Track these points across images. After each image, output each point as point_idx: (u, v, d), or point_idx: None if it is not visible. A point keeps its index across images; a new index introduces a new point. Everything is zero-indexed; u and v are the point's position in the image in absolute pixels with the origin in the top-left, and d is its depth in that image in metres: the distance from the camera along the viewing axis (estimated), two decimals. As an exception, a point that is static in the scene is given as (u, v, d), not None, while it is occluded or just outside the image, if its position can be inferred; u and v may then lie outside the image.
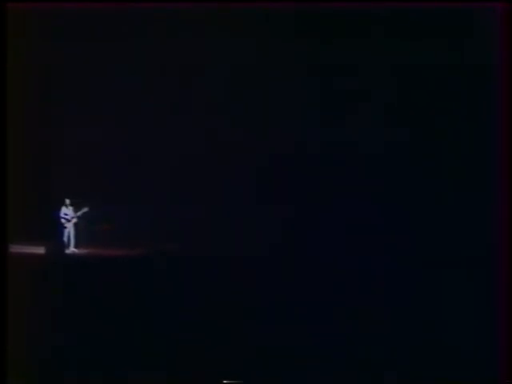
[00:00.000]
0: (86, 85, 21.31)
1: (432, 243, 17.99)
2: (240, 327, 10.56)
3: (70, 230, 21.06)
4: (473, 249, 15.94)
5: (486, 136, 16.54)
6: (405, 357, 9.26)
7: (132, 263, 17.76)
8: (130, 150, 22.27)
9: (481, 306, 10.95)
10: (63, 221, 20.97)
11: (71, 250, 21.02)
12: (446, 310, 11.53)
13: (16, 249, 17.69)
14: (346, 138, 20.59)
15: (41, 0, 17.00)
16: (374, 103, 20.31)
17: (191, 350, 9.38)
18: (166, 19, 20.16)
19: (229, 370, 8.71)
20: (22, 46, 17.68)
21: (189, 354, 9.23)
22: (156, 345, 9.64)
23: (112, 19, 19.79)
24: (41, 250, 19.61)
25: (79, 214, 21.12)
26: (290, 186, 20.91)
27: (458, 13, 18.26)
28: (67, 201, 21.06)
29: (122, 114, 21.81)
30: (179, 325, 10.66)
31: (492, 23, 14.23)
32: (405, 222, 19.16)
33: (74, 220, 21.11)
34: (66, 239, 21.02)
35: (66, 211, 21.10)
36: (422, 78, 19.94)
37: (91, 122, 21.38)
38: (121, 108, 21.81)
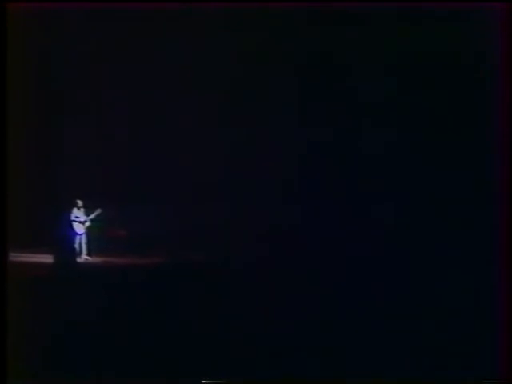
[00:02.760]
0: (86, 85, 21.13)
1: (432, 243, 18.21)
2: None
3: (81, 235, 19.94)
4: (473, 248, 16.07)
5: (485, 136, 16.76)
6: (404, 356, 9.26)
7: (152, 273, 16.84)
8: (141, 149, 22.16)
9: (481, 306, 11.06)
10: (74, 224, 19.74)
11: (83, 257, 19.86)
12: (446, 310, 11.66)
13: (18, 257, 16.69)
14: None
15: (41, 0, 16.91)
16: (374, 102, 20.70)
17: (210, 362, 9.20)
18: (167, 19, 20.27)
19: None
20: (22, 46, 17.42)
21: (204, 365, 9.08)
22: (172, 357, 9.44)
23: (112, 19, 19.92)
24: (48, 259, 18.01)
25: (92, 216, 20.03)
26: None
27: (457, 13, 18.57)
28: (79, 202, 19.92)
29: (123, 114, 21.83)
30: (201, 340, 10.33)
31: (492, 23, 14.60)
32: (404, 222, 19.50)
33: (87, 223, 20.03)
34: (77, 246, 19.80)
35: (78, 213, 19.95)
36: (420, 78, 20.18)
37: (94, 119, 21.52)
38: (122, 108, 21.83)
